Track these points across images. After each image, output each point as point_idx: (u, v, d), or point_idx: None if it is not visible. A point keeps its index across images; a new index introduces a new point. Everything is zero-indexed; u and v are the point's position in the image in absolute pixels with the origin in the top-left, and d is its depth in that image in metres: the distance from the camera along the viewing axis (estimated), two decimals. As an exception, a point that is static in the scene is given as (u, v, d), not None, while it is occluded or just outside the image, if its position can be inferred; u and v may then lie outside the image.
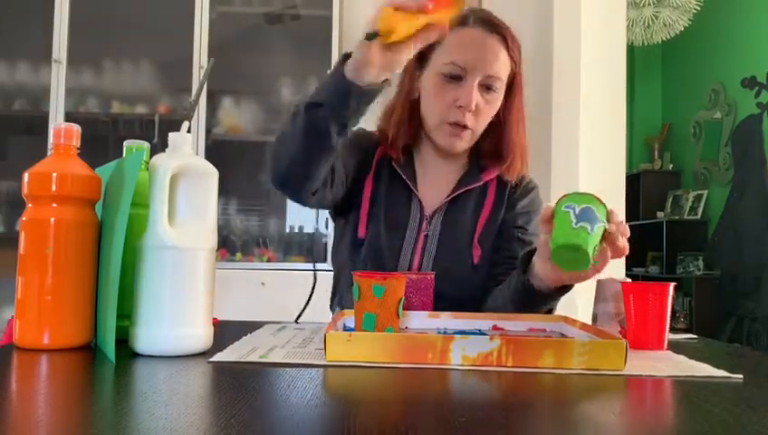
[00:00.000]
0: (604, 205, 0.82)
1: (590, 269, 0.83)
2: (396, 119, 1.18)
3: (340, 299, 1.20)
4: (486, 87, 1.10)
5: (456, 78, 1.09)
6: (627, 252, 0.84)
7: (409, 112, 1.17)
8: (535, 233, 1.15)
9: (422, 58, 1.14)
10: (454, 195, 1.16)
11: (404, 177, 1.17)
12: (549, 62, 3.12)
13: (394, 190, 1.17)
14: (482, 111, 1.11)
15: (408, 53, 0.89)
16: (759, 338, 4.27)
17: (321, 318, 1.10)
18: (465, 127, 1.11)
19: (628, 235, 0.85)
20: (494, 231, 1.17)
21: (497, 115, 1.16)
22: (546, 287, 0.95)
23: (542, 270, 0.92)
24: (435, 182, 1.19)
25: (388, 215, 1.15)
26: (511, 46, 1.11)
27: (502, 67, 1.10)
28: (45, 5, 2.87)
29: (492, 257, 1.15)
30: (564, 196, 0.84)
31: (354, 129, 1.22)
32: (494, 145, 1.18)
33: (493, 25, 1.11)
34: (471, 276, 1.12)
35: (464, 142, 1.14)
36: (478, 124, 1.12)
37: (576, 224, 0.79)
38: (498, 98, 1.13)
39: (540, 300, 0.98)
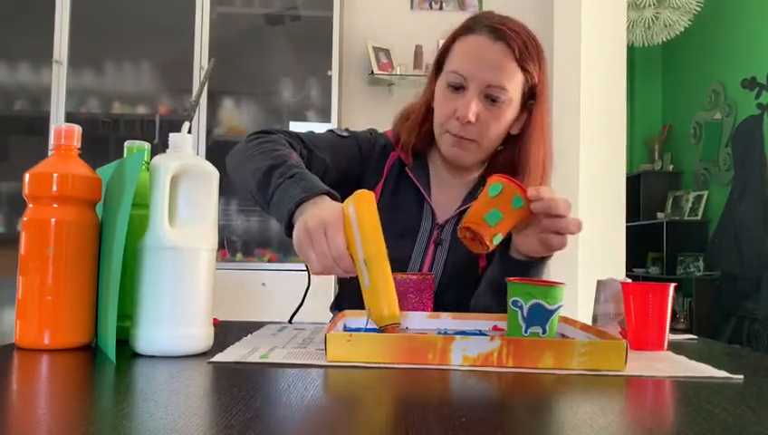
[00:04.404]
0: (559, 287, 0.78)
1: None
2: (410, 123, 1.16)
3: (342, 306, 1.19)
4: (491, 99, 1.05)
5: (459, 88, 1.06)
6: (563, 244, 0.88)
7: (424, 119, 1.15)
8: None
9: (439, 66, 1.13)
10: (464, 208, 1.13)
11: (418, 184, 1.14)
12: (549, 63, 3.12)
13: (406, 197, 1.15)
14: (487, 123, 1.06)
15: None
16: (759, 339, 4.27)
17: (320, 319, 1.10)
18: (467, 139, 1.07)
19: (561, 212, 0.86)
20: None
21: (519, 130, 1.12)
22: (525, 257, 0.94)
23: (522, 243, 0.92)
24: (447, 191, 1.17)
25: (397, 222, 1.11)
26: (521, 56, 1.04)
27: (507, 77, 1.04)
28: (46, 6, 2.87)
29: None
30: (510, 281, 0.80)
31: (360, 131, 1.21)
32: (509, 159, 1.13)
33: (499, 33, 1.04)
34: (474, 286, 1.10)
35: (469, 155, 1.10)
36: (483, 137, 1.07)
37: (526, 331, 0.77)
38: (505, 112, 1.06)
39: (520, 270, 0.95)
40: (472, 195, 1.14)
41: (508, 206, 0.85)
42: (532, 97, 1.10)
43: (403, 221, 1.13)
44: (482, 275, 1.10)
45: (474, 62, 1.05)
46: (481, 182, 1.16)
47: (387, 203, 1.13)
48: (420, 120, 1.16)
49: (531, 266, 0.95)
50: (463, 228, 0.87)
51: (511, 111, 1.08)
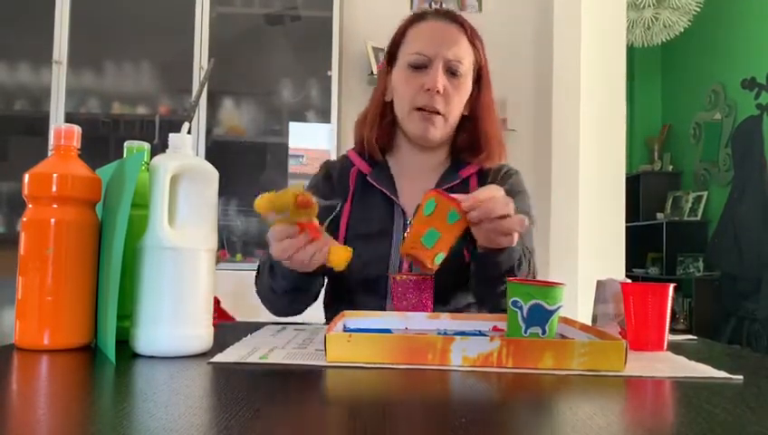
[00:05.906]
0: (559, 287, 0.77)
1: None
2: (370, 118, 1.23)
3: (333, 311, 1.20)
4: (451, 72, 1.14)
5: (421, 67, 1.14)
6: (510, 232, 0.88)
7: (383, 112, 1.22)
8: (521, 211, 1.14)
9: (391, 58, 1.21)
10: None
11: (381, 188, 1.18)
12: (549, 64, 3.12)
13: (374, 200, 1.18)
14: (450, 95, 1.14)
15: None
16: (759, 339, 4.27)
17: (318, 319, 1.10)
18: (435, 112, 1.14)
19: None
20: None
21: (470, 110, 1.20)
22: (486, 250, 0.95)
23: (478, 239, 0.92)
24: (416, 183, 1.19)
25: (370, 225, 1.16)
26: (471, 35, 1.17)
27: (463, 52, 1.15)
28: (46, 6, 2.87)
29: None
30: (510, 281, 0.79)
31: (313, 176, 1.28)
32: (469, 139, 1.21)
33: (451, 16, 1.18)
34: (463, 272, 1.10)
35: (437, 130, 1.16)
36: (449, 109, 1.15)
37: (525, 331, 0.77)
38: (465, 84, 1.17)
39: (491, 259, 0.96)
40: (440, 183, 1.18)
41: (444, 223, 0.85)
42: (478, 79, 1.21)
43: (376, 224, 1.17)
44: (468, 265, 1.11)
45: (434, 41, 1.15)
46: (448, 170, 1.21)
47: (358, 213, 1.18)
48: (380, 113, 1.22)
49: (499, 253, 0.95)
50: (404, 254, 0.88)
51: (468, 84, 1.18)
